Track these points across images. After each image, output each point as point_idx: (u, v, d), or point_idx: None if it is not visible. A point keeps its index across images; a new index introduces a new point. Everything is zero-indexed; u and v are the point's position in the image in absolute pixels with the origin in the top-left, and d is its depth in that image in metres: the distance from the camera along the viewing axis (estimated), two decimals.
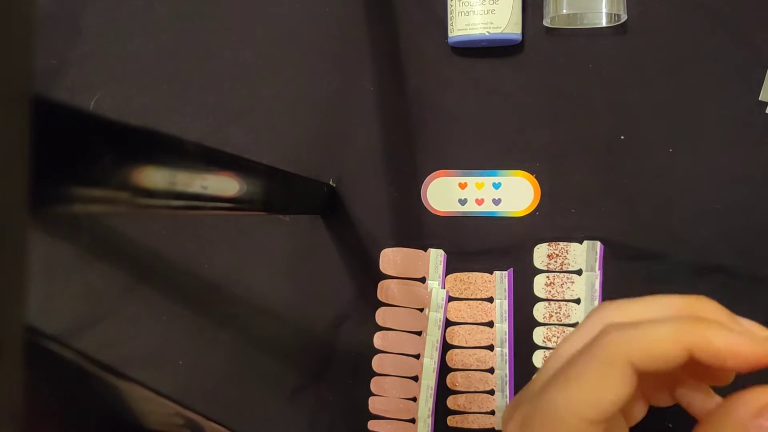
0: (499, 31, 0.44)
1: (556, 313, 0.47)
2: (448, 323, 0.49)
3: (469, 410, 0.49)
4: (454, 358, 0.49)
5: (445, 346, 0.49)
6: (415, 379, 0.50)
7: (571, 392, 0.21)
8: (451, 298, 0.49)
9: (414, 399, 0.50)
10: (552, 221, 0.47)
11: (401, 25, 0.48)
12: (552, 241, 0.47)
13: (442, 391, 0.50)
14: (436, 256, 0.49)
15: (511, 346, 0.48)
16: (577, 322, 0.47)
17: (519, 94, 0.47)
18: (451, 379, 0.49)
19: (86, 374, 0.25)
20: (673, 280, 0.45)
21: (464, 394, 0.49)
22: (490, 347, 0.49)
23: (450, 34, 0.46)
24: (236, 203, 0.33)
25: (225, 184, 0.31)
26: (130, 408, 0.27)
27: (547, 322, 0.48)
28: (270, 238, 0.52)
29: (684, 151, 0.45)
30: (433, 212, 0.49)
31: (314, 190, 0.49)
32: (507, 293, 0.48)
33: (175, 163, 0.26)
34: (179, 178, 0.26)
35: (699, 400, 0.24)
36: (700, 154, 0.45)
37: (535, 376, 0.25)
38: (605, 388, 0.21)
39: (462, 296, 0.49)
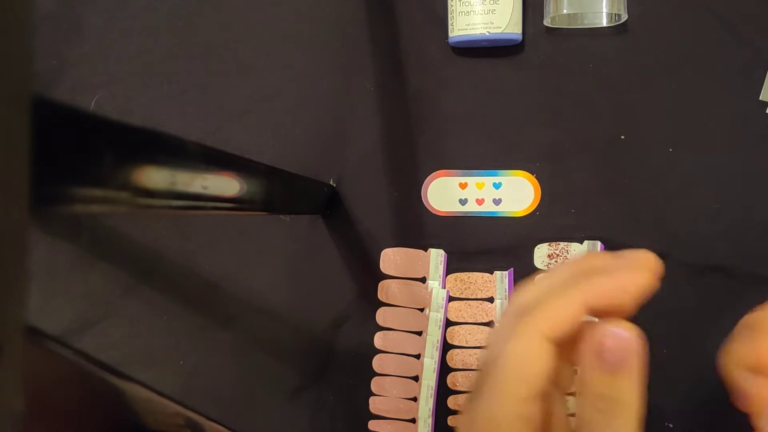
0: (499, 31, 0.44)
1: None
2: (449, 323, 0.49)
3: None
4: (454, 358, 0.49)
5: (446, 346, 0.49)
6: (416, 379, 0.50)
7: (500, 378, 0.23)
8: (451, 298, 0.49)
9: (414, 399, 0.50)
10: (552, 221, 0.47)
11: (402, 25, 0.48)
12: (552, 241, 0.47)
13: (443, 391, 0.50)
14: (437, 256, 0.49)
15: None
16: None
17: (519, 94, 0.47)
18: (451, 379, 0.49)
19: (86, 374, 0.25)
20: (673, 280, 0.45)
21: (465, 394, 0.49)
22: None
23: (450, 34, 0.46)
24: (237, 203, 0.33)
25: (225, 184, 0.31)
26: (131, 408, 0.27)
27: None
28: (270, 238, 0.52)
29: (684, 151, 0.45)
30: (433, 212, 0.49)
31: (314, 190, 0.49)
32: (507, 293, 0.48)
33: (176, 163, 0.26)
34: (180, 178, 0.26)
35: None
36: (700, 154, 0.45)
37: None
38: (528, 363, 0.23)
39: (462, 296, 0.49)
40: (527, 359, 0.23)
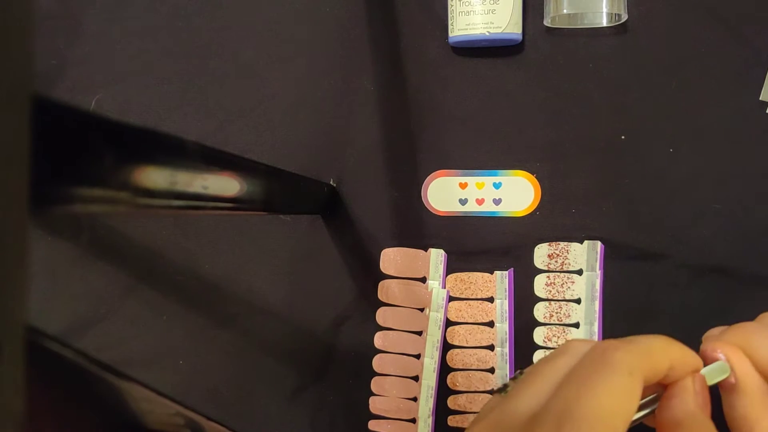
0: (499, 31, 0.44)
1: (557, 312, 0.47)
2: (449, 323, 0.49)
3: (470, 410, 0.49)
4: (454, 357, 0.49)
5: (446, 346, 0.49)
6: (416, 379, 0.50)
7: (600, 403, 0.22)
8: (451, 298, 0.49)
9: (414, 399, 0.50)
10: (552, 221, 0.47)
11: (401, 25, 0.48)
12: (552, 241, 0.47)
13: (443, 390, 0.50)
14: (437, 256, 0.49)
15: (511, 345, 0.48)
16: (578, 322, 0.47)
17: (519, 94, 0.47)
18: (451, 379, 0.49)
19: (86, 374, 0.25)
20: (673, 280, 0.45)
21: (465, 394, 0.49)
22: (491, 347, 0.49)
23: (450, 34, 0.46)
24: (237, 203, 0.33)
25: (225, 184, 0.31)
26: (131, 408, 0.27)
27: (547, 321, 0.48)
28: (270, 238, 0.52)
29: (684, 151, 0.45)
30: (433, 212, 0.49)
31: (315, 190, 0.48)
32: (507, 293, 0.48)
33: (176, 163, 0.26)
34: (180, 178, 0.26)
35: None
36: (700, 154, 0.45)
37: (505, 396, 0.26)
38: (630, 400, 0.22)
39: (462, 296, 0.49)
40: (633, 396, 0.23)
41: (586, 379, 0.23)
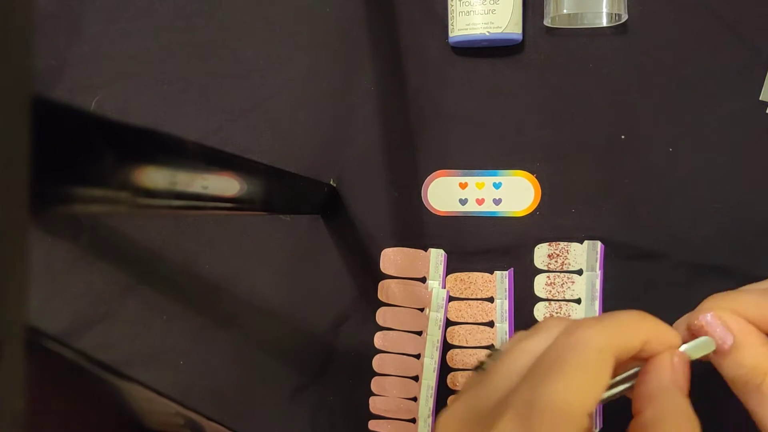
0: (499, 31, 0.44)
1: (557, 313, 0.47)
2: (449, 323, 0.49)
3: None
4: (454, 357, 0.49)
5: (446, 346, 0.49)
6: (416, 378, 0.50)
7: (568, 385, 0.22)
8: (451, 298, 0.49)
9: (414, 399, 0.50)
10: (552, 221, 0.47)
11: (402, 25, 0.48)
12: (552, 241, 0.47)
13: (443, 391, 0.50)
14: (437, 256, 0.49)
15: None
16: None
17: (519, 94, 0.47)
18: (451, 379, 0.49)
19: (86, 374, 0.25)
20: (673, 280, 0.45)
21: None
22: (491, 347, 0.49)
23: (450, 34, 0.46)
24: (237, 203, 0.33)
25: (225, 184, 0.31)
26: (131, 408, 0.27)
27: None
28: (270, 238, 0.52)
29: (684, 151, 0.45)
30: (433, 212, 0.49)
31: (314, 190, 0.49)
32: (507, 293, 0.48)
33: (176, 163, 0.26)
34: (180, 178, 0.26)
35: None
36: (700, 154, 0.45)
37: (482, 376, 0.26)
38: (599, 377, 0.22)
39: (462, 296, 0.49)
40: (601, 374, 0.23)
41: (554, 361, 0.23)
